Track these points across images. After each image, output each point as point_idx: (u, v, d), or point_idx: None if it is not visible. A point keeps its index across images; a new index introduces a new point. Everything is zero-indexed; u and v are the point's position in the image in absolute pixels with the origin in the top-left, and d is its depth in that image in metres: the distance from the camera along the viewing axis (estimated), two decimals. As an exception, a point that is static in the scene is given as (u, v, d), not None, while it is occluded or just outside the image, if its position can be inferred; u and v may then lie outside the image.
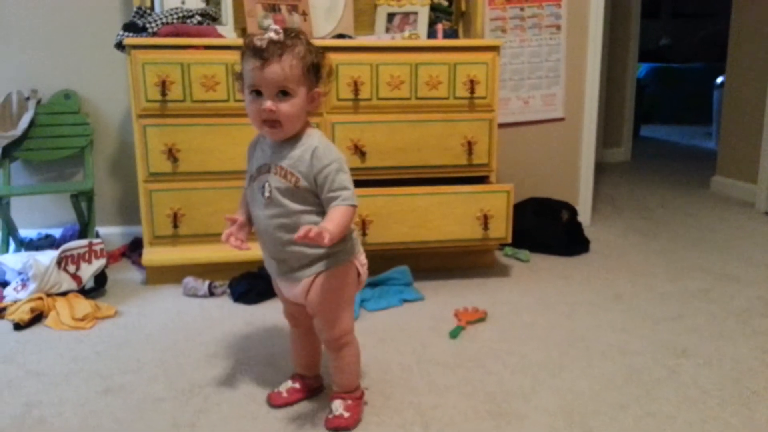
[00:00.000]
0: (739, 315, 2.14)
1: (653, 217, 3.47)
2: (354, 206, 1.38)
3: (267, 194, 1.38)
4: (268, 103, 1.32)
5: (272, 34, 1.31)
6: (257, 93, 1.34)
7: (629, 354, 1.84)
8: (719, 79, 5.38)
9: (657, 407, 1.55)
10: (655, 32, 8.23)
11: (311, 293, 1.43)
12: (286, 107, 1.33)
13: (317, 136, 1.41)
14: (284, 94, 1.33)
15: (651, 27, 7.41)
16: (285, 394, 1.56)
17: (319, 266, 1.42)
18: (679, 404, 1.57)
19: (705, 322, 2.07)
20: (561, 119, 3.14)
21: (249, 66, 1.32)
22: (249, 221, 1.48)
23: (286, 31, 1.33)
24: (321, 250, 1.40)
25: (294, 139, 1.39)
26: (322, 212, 1.39)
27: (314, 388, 1.60)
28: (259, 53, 1.30)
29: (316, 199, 1.39)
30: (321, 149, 1.38)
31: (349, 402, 1.49)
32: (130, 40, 2.24)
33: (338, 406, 1.48)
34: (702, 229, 3.24)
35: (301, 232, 1.25)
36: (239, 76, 1.39)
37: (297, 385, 1.58)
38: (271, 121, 1.34)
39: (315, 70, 1.37)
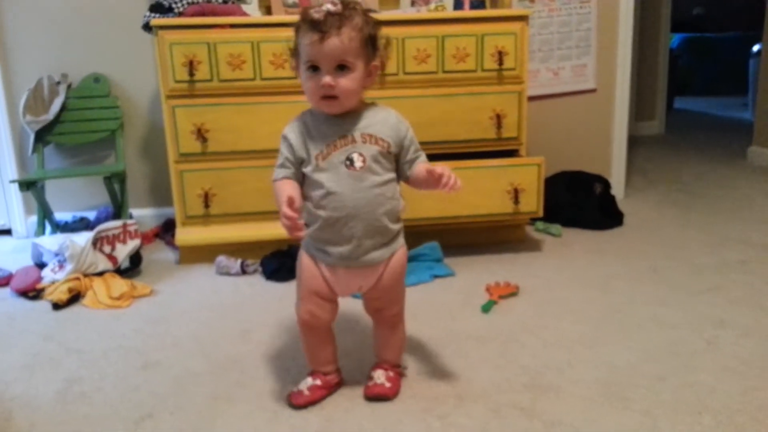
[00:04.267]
0: (779, 286, 2.09)
1: (689, 190, 3.40)
2: None
3: (359, 164, 1.33)
4: (327, 78, 1.27)
5: (329, 6, 1.26)
6: (314, 68, 1.29)
7: (666, 326, 1.81)
8: (755, 48, 5.22)
9: (695, 378, 1.53)
10: (688, 1, 8.00)
11: (386, 276, 1.42)
12: (345, 82, 1.29)
13: (385, 105, 1.42)
14: (342, 68, 1.28)
15: (683, -4, 7.21)
16: (307, 392, 1.47)
17: (396, 244, 1.42)
18: (717, 375, 1.54)
19: (743, 294, 2.03)
20: (592, 90, 3.08)
21: (306, 40, 1.28)
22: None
23: (343, 3, 1.29)
24: (399, 225, 1.42)
25: (359, 109, 1.37)
26: (395, 183, 1.41)
27: (335, 384, 1.52)
28: (317, 26, 1.25)
29: (396, 167, 1.40)
30: (399, 115, 1.40)
31: (391, 374, 1.50)
32: (157, 20, 2.25)
33: (380, 375, 1.49)
34: (739, 200, 3.16)
35: (446, 177, 1.30)
36: (294, 52, 1.34)
37: (318, 382, 1.49)
38: (330, 96, 1.30)
39: (372, 42, 1.32)
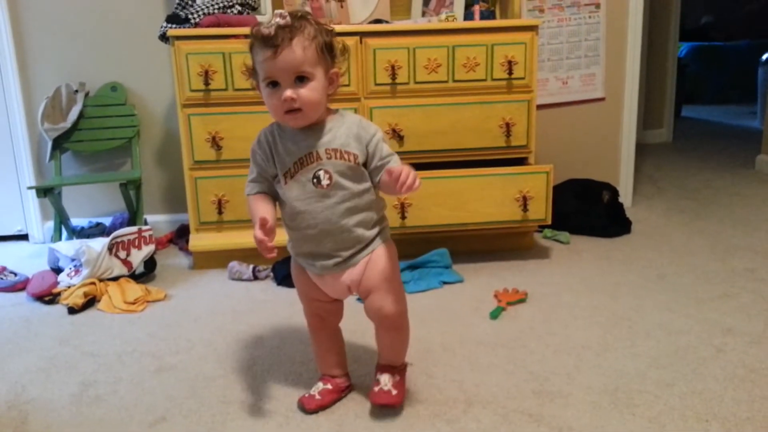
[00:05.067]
0: (788, 294, 2.09)
1: (697, 198, 3.40)
2: None
3: (326, 182, 1.32)
4: (288, 92, 1.25)
5: (278, 20, 1.24)
6: (274, 84, 1.27)
7: (674, 333, 1.83)
8: (764, 57, 5.23)
9: (704, 385, 1.54)
10: (696, 10, 8.01)
11: (369, 270, 1.39)
12: (306, 92, 1.26)
13: (349, 112, 1.40)
14: (301, 79, 1.26)
15: (692, 4, 7.22)
16: (318, 396, 1.48)
17: (374, 244, 1.40)
18: (726, 383, 1.55)
19: (752, 301, 2.04)
20: (601, 99, 3.10)
21: (260, 57, 1.26)
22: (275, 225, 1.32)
23: (292, 14, 1.27)
24: (376, 229, 1.40)
25: (324, 122, 1.34)
26: (374, 190, 1.39)
27: (345, 387, 1.54)
28: (269, 41, 1.24)
29: (368, 176, 1.38)
30: (364, 121, 1.38)
31: (397, 378, 1.49)
32: (174, 31, 2.30)
33: (387, 381, 1.47)
34: (747, 208, 3.16)
35: (404, 175, 1.23)
36: (252, 72, 1.32)
37: (329, 386, 1.51)
38: (293, 110, 1.27)
39: (328, 49, 1.30)
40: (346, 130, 1.34)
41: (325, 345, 1.53)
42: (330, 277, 1.40)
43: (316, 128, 1.33)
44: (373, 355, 1.66)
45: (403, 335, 1.49)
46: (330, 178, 1.32)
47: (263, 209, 1.34)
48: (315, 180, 1.32)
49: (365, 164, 1.37)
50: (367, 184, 1.37)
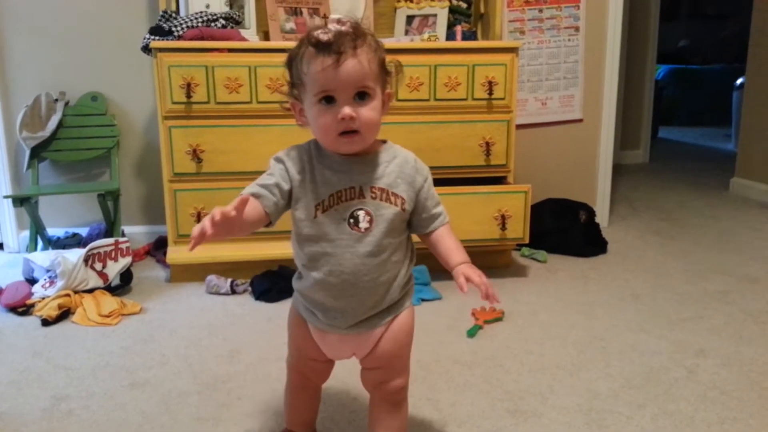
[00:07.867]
0: (758, 316, 2.13)
1: (672, 219, 3.46)
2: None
3: (365, 225, 1.12)
4: (347, 110, 1.05)
5: (338, 26, 1.05)
6: (328, 99, 1.06)
7: (647, 354, 1.85)
8: (739, 81, 5.35)
9: (675, 407, 1.56)
10: (674, 34, 8.18)
11: (387, 342, 1.20)
12: (366, 112, 1.07)
13: (400, 147, 1.19)
14: (362, 96, 1.07)
15: (669, 28, 7.39)
16: None
17: (399, 306, 1.21)
18: (697, 404, 1.57)
19: (724, 323, 2.07)
20: (579, 120, 3.15)
21: (316, 67, 1.04)
22: (236, 225, 1.06)
23: (351, 21, 1.08)
24: (407, 288, 1.23)
25: (373, 152, 1.14)
26: (405, 243, 1.21)
27: None
28: (329, 48, 1.03)
29: (406, 226, 1.19)
30: (419, 161, 1.19)
31: None
32: (157, 43, 2.29)
33: None
34: (721, 230, 3.22)
35: (486, 293, 1.17)
36: (294, 88, 1.12)
37: None
38: (350, 132, 1.07)
39: (384, 66, 1.12)
40: (397, 168, 1.15)
41: (303, 403, 1.36)
42: (335, 336, 1.20)
43: (361, 159, 1.13)
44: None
45: (404, 413, 1.29)
46: (370, 221, 1.12)
47: (250, 209, 1.09)
48: (352, 220, 1.12)
49: (412, 212, 1.18)
50: (404, 235, 1.19)
